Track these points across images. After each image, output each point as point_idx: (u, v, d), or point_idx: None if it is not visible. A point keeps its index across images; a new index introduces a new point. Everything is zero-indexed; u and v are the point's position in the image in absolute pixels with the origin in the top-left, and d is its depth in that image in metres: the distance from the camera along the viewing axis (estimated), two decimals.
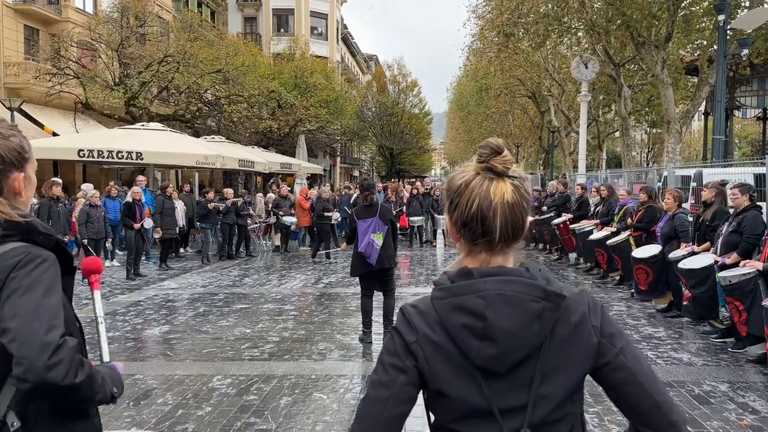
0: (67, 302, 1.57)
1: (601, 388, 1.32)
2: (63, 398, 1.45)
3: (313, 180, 29.05)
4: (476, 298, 1.21)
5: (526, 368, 1.22)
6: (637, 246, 8.76)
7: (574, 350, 1.24)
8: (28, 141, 1.64)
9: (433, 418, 1.31)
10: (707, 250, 6.90)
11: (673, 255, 7.43)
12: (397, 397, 1.24)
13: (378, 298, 7.01)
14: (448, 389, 1.22)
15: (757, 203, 6.54)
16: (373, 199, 6.88)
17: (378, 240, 6.58)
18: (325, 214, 14.06)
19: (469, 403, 1.22)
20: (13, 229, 1.49)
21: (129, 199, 11.89)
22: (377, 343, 6.71)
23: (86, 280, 1.91)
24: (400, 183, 25.41)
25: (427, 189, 17.62)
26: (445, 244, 16.98)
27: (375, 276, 6.76)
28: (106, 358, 1.82)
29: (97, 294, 1.89)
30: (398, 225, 7.09)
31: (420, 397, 1.29)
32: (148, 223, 11.90)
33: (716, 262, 6.38)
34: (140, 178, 13.72)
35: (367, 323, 6.80)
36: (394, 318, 6.71)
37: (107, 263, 12.67)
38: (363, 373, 5.75)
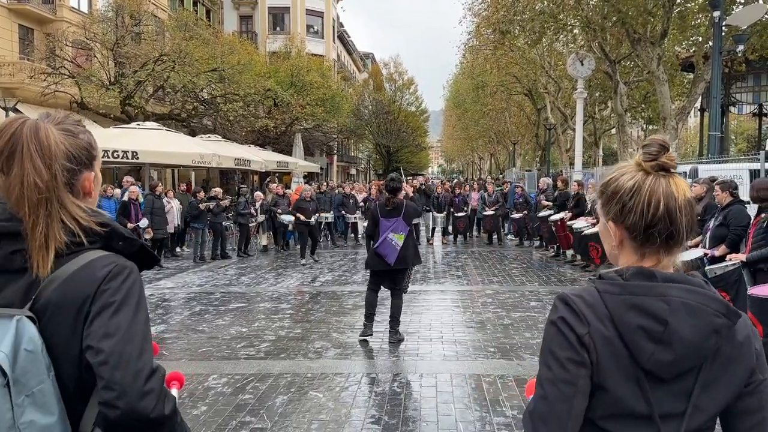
0: None
1: None
2: None
3: (310, 178, 29.01)
4: (659, 302, 1.19)
5: (687, 378, 1.22)
6: None
7: (735, 369, 1.24)
8: (93, 137, 1.54)
9: None
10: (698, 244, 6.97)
11: None
12: (583, 392, 1.21)
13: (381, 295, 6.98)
14: (609, 385, 1.21)
15: (741, 198, 6.64)
16: (395, 202, 6.69)
17: (399, 240, 6.51)
18: (297, 214, 13.45)
19: (627, 404, 1.21)
20: (95, 235, 1.40)
21: (126, 198, 11.87)
22: (375, 340, 6.71)
23: None
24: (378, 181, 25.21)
25: (422, 186, 17.53)
26: (443, 242, 16.98)
27: (389, 274, 6.72)
28: None
29: (175, 392, 1.91)
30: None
31: None
32: (144, 222, 11.93)
33: (705, 254, 6.48)
34: (127, 178, 13.64)
35: (369, 315, 6.78)
36: (401, 318, 6.74)
37: None
38: (360, 371, 5.74)
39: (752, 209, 6.32)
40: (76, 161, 1.43)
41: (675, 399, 1.22)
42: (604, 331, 1.20)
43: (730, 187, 6.58)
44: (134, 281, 1.38)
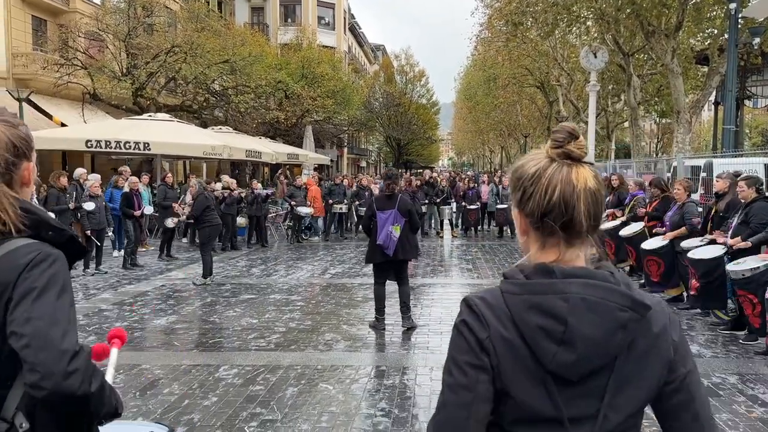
0: None
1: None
2: (71, 408, 1.42)
3: (320, 170, 29.00)
4: (558, 300, 1.13)
5: (599, 377, 1.16)
6: (653, 237, 8.66)
7: (652, 363, 1.18)
8: (29, 129, 1.61)
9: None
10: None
11: (686, 244, 7.35)
12: (481, 398, 1.15)
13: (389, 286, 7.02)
14: (513, 390, 1.15)
15: (766, 194, 6.51)
16: (394, 188, 6.92)
17: (396, 232, 6.64)
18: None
19: (534, 408, 1.15)
20: (23, 225, 1.45)
21: (127, 189, 11.95)
22: (385, 332, 6.71)
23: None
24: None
25: (430, 180, 17.50)
26: (453, 235, 16.94)
27: (390, 266, 6.84)
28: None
29: (115, 351, 1.91)
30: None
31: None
32: (149, 210, 12.08)
33: (730, 248, 6.37)
34: (79, 170, 13.68)
35: (380, 309, 6.89)
36: (411, 303, 6.81)
37: (114, 253, 12.71)
38: (370, 364, 5.74)
39: None
40: (17, 151, 1.49)
41: (586, 401, 1.15)
42: (505, 333, 1.15)
43: (757, 183, 6.47)
44: (58, 269, 1.42)
